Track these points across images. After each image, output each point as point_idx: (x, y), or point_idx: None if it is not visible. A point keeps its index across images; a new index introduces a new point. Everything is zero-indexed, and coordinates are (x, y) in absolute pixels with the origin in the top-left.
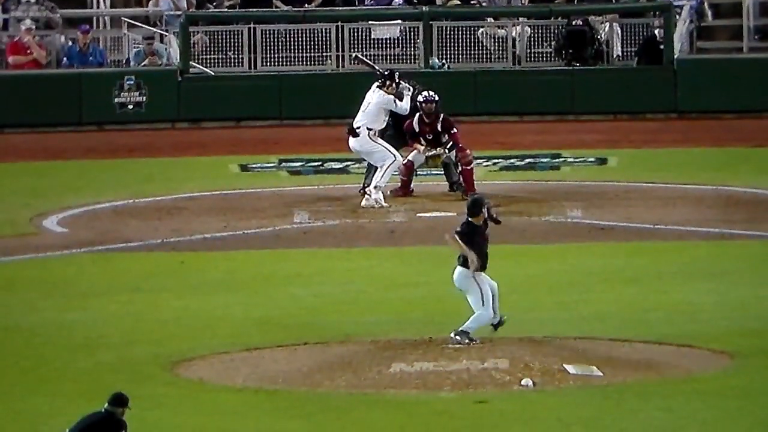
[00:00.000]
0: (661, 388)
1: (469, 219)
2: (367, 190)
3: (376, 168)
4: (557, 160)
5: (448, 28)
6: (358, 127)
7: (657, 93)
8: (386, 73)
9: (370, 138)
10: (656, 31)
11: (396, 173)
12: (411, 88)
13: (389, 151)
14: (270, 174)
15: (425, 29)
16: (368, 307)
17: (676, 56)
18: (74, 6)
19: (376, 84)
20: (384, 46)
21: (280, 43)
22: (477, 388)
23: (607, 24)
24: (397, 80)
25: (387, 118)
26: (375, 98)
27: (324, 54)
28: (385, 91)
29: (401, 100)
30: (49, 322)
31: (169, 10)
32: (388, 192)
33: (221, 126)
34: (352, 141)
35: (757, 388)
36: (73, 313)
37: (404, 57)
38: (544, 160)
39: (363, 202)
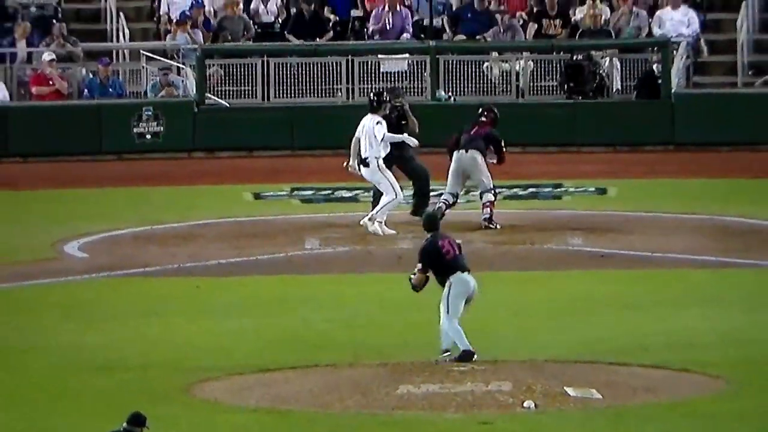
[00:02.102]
0: (659, 411)
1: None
2: (365, 220)
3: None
4: (559, 189)
5: (454, 62)
6: (367, 158)
7: (655, 126)
8: (373, 95)
9: (379, 168)
10: (654, 66)
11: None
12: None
13: (393, 188)
14: (282, 202)
15: (432, 63)
16: (376, 330)
17: (673, 90)
18: (95, 40)
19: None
20: (392, 79)
21: (292, 76)
22: (481, 409)
23: (608, 59)
24: (385, 100)
25: (388, 143)
26: (367, 123)
27: (334, 86)
28: (378, 114)
29: (404, 118)
30: (69, 344)
31: (186, 43)
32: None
33: (235, 155)
34: (363, 170)
35: (752, 411)
36: (92, 335)
37: (412, 89)
38: (546, 189)
39: (369, 228)
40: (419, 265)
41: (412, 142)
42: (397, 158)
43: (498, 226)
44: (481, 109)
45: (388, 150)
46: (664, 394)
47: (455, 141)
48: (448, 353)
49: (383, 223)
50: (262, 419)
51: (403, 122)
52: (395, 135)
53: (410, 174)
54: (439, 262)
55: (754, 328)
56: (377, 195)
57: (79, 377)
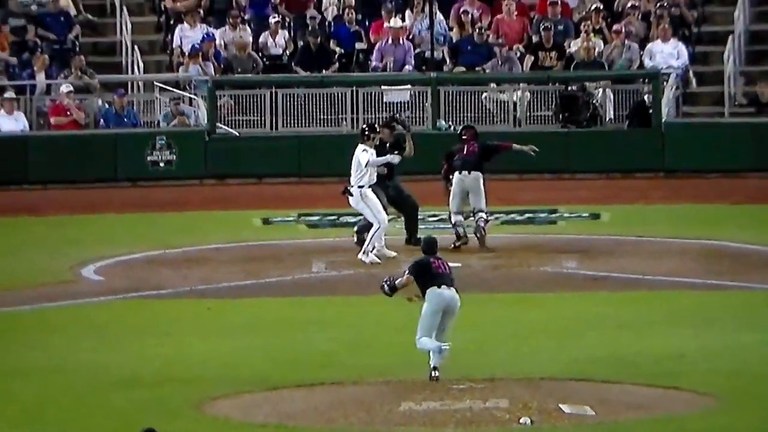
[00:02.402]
0: (650, 427)
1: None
2: (360, 255)
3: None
4: (554, 215)
5: (454, 93)
6: (352, 187)
7: (646, 153)
8: (365, 126)
9: (361, 198)
10: (645, 97)
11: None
12: (407, 128)
13: (375, 216)
14: (290, 227)
15: (433, 93)
16: (379, 349)
17: (663, 120)
18: (110, 72)
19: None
20: (395, 109)
21: (299, 106)
22: (479, 425)
23: (601, 90)
24: (377, 132)
25: (374, 171)
26: (355, 152)
27: (339, 116)
28: (367, 144)
29: (401, 145)
30: (87, 363)
31: (198, 75)
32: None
33: (245, 182)
34: (350, 199)
35: (739, 427)
36: (108, 354)
37: (414, 119)
38: (542, 215)
39: (366, 261)
40: (405, 271)
41: (395, 159)
42: (387, 187)
43: (486, 244)
44: (460, 130)
45: (374, 180)
46: (655, 411)
47: (449, 166)
48: (437, 371)
49: (383, 247)
50: None
51: (396, 152)
52: (378, 158)
53: (398, 204)
54: (427, 273)
55: (741, 347)
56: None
57: (96, 394)
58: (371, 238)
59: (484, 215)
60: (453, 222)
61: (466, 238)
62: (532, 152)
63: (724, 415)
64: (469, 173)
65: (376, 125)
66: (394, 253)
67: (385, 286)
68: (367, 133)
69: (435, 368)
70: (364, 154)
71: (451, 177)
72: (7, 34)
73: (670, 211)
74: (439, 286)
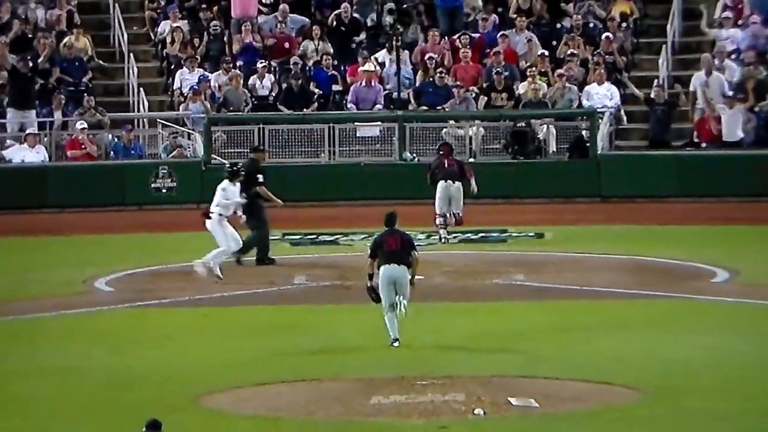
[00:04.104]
0: (586, 416)
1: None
2: (195, 263)
3: (255, 244)
4: (504, 234)
5: (418, 128)
6: (212, 212)
7: (584, 181)
8: (229, 167)
9: (217, 223)
10: (583, 132)
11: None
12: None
13: (224, 242)
14: (275, 245)
15: (400, 129)
16: (353, 351)
17: (599, 152)
18: (119, 110)
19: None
20: (366, 142)
21: (283, 140)
22: (440, 416)
23: (545, 126)
24: (239, 173)
25: (235, 203)
26: (220, 185)
27: (318, 149)
28: (230, 182)
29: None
30: (98, 364)
31: (198, 112)
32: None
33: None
34: (207, 222)
35: (660, 416)
36: (117, 357)
37: (383, 151)
38: (494, 234)
39: (197, 268)
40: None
41: (240, 201)
42: (251, 211)
43: (449, 239)
44: (438, 147)
45: (231, 212)
46: (590, 403)
47: (433, 175)
48: (397, 341)
49: (216, 267)
50: (259, 425)
51: (256, 177)
52: (226, 201)
53: (253, 227)
54: (379, 250)
55: (665, 347)
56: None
57: (107, 391)
58: (214, 256)
59: (455, 219)
60: (437, 223)
61: (446, 238)
62: (474, 189)
63: (648, 406)
64: (453, 183)
65: (240, 169)
66: (221, 276)
67: (371, 294)
68: (231, 172)
69: (396, 339)
70: (222, 193)
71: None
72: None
73: (605, 231)
74: (389, 263)
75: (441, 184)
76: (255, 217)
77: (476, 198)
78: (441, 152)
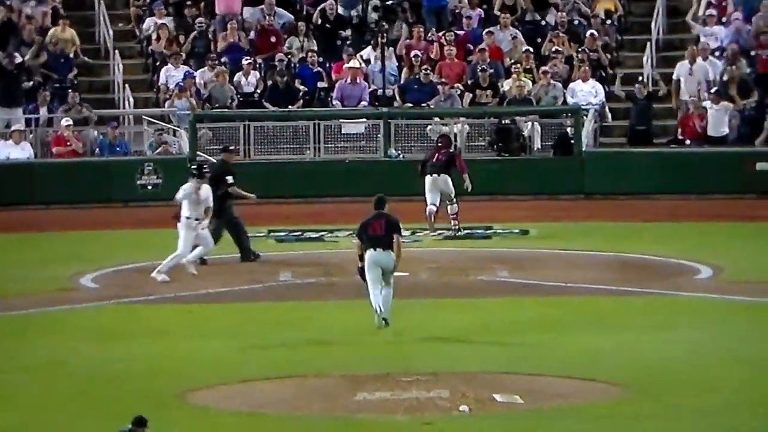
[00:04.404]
0: (570, 412)
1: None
2: (153, 274)
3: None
4: (489, 231)
5: (403, 125)
6: (182, 215)
7: (568, 178)
8: (194, 167)
9: (184, 225)
10: (568, 129)
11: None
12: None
13: (182, 245)
14: (260, 241)
15: (385, 126)
16: (338, 347)
17: (583, 149)
18: (105, 107)
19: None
20: (352, 139)
21: (268, 137)
22: (424, 412)
23: (530, 123)
24: (205, 171)
25: (203, 203)
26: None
27: (303, 146)
28: (193, 182)
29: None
30: (85, 359)
31: (184, 108)
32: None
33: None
34: (178, 224)
35: (643, 412)
36: (104, 352)
37: (368, 148)
38: (479, 231)
39: (156, 276)
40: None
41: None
42: (223, 212)
43: (463, 230)
44: (438, 137)
45: (200, 214)
46: (574, 399)
47: (423, 168)
48: (385, 321)
49: (163, 274)
50: (243, 421)
51: (225, 179)
52: (180, 195)
53: (230, 229)
54: (364, 234)
55: (648, 344)
56: (236, 241)
57: (93, 387)
58: (170, 260)
59: (456, 207)
60: (427, 212)
61: (433, 228)
62: (468, 186)
63: (631, 402)
64: (439, 176)
65: (204, 169)
66: (168, 279)
67: (361, 274)
68: (195, 172)
69: (384, 320)
70: (180, 190)
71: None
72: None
73: (589, 228)
74: (375, 249)
75: (428, 178)
76: (223, 217)
77: (461, 195)
78: (439, 143)
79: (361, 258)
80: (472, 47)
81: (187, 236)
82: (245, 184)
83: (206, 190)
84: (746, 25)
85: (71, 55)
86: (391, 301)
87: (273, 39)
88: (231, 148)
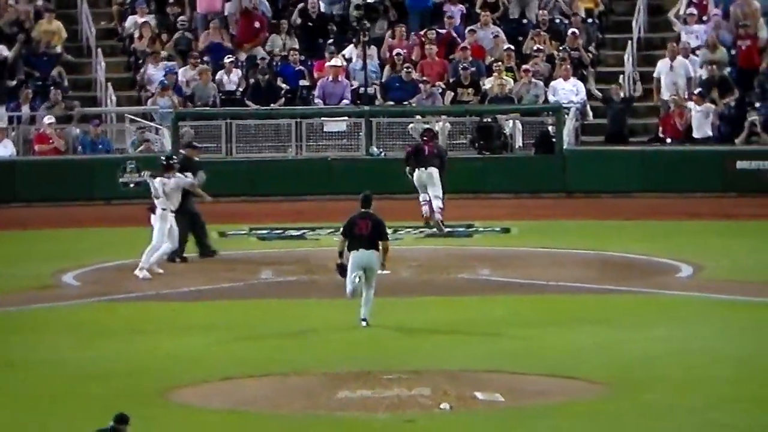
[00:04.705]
0: (550, 410)
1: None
2: (135, 271)
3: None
4: (470, 229)
5: (385, 123)
6: (156, 207)
7: (550, 177)
8: (163, 159)
9: (159, 216)
10: (549, 128)
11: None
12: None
13: (157, 237)
14: (242, 239)
15: (366, 124)
16: (320, 345)
17: (564, 147)
18: (87, 104)
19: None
20: (333, 137)
21: (250, 135)
22: (406, 410)
23: (511, 121)
24: (173, 163)
25: (174, 196)
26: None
27: (285, 144)
28: (164, 175)
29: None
30: (67, 358)
31: (166, 107)
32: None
33: (203, 201)
34: (152, 217)
35: (625, 410)
36: (86, 350)
37: (350, 147)
38: (460, 229)
39: (138, 273)
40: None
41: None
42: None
43: (446, 229)
44: (422, 132)
45: (176, 205)
46: (555, 397)
47: (408, 160)
48: (365, 321)
49: (145, 270)
50: (225, 419)
51: (185, 175)
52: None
53: (189, 224)
54: (350, 233)
55: (629, 342)
56: (196, 238)
57: (75, 384)
58: (150, 256)
59: (440, 203)
60: (423, 210)
61: (435, 224)
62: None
63: (612, 400)
64: (426, 169)
65: (172, 161)
66: (150, 277)
67: (339, 270)
68: (164, 164)
69: (364, 319)
70: (157, 182)
71: (412, 172)
72: None
73: (570, 226)
74: (357, 249)
75: (415, 174)
76: (183, 212)
77: (443, 192)
78: (425, 137)
79: (341, 254)
80: (455, 42)
81: (161, 227)
82: (227, 182)
83: (175, 180)
84: (725, 21)
85: (58, 49)
86: (372, 301)
87: (257, 24)
88: (195, 144)
